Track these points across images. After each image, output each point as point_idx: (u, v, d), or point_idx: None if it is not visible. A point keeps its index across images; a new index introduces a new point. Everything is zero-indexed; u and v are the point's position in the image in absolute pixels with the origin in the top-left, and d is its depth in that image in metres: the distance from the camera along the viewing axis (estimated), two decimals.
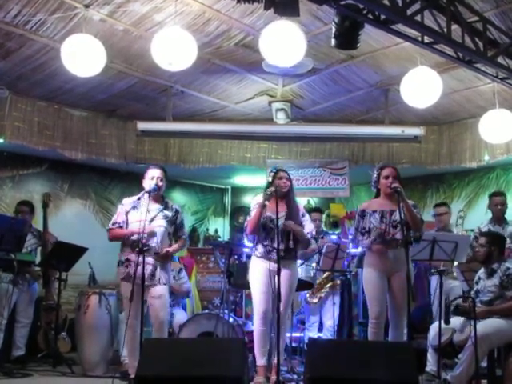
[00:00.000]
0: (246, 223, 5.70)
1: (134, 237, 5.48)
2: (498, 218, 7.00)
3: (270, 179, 5.61)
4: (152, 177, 5.68)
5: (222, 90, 7.90)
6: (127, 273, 5.50)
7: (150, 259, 5.54)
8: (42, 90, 7.70)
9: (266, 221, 5.57)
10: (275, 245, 5.41)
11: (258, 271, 5.60)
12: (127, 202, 5.80)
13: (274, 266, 5.39)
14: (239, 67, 7.15)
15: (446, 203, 7.92)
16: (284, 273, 5.36)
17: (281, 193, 5.51)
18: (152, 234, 5.58)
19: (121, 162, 8.94)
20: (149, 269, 5.54)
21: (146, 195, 5.62)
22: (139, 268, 5.29)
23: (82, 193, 9.50)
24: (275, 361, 5.25)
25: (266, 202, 5.46)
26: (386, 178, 5.56)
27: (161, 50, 5.61)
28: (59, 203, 9.13)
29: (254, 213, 5.58)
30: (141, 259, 5.26)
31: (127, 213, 5.72)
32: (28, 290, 7.00)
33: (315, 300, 6.99)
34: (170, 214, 5.76)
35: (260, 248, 5.64)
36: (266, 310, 5.53)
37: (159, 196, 5.78)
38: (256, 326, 5.59)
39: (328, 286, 7.03)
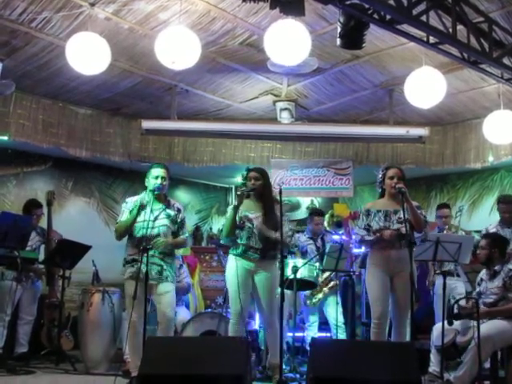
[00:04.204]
0: (221, 226, 5.67)
1: (139, 234, 5.48)
2: (507, 222, 6.92)
3: (242, 180, 5.60)
4: (156, 176, 5.64)
5: (227, 89, 7.91)
6: (134, 272, 5.44)
7: (156, 259, 5.54)
8: (47, 87, 7.72)
9: (243, 220, 5.51)
10: (251, 244, 5.42)
11: (235, 270, 5.47)
12: (131, 200, 5.77)
13: (251, 265, 5.39)
14: (244, 66, 7.15)
15: (448, 205, 7.89)
16: (262, 276, 5.37)
17: (256, 192, 5.48)
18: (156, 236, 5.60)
19: (125, 161, 8.95)
20: (156, 268, 5.54)
21: (150, 194, 5.63)
22: (144, 266, 5.32)
23: (85, 191, 9.52)
24: (272, 360, 5.26)
25: (235, 203, 5.44)
26: (391, 178, 5.55)
27: (164, 49, 5.62)
28: (63, 201, 9.15)
29: (228, 215, 5.57)
30: (138, 257, 5.31)
31: (130, 212, 5.70)
32: (31, 287, 7.01)
33: (315, 300, 6.99)
34: (172, 212, 5.74)
35: (237, 247, 5.56)
36: (240, 310, 5.41)
37: (162, 195, 5.77)
38: (231, 322, 5.51)
39: (327, 287, 7.02)
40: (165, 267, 5.60)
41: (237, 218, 5.48)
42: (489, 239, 5.77)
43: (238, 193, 5.40)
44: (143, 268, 5.28)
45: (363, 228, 5.62)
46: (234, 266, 5.51)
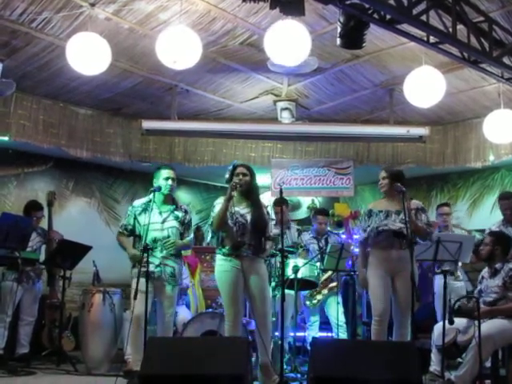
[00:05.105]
0: (211, 220, 5.39)
1: (149, 236, 5.50)
2: (510, 220, 6.89)
3: (229, 176, 5.42)
4: (167, 177, 5.68)
5: (227, 89, 7.91)
6: (145, 271, 5.31)
7: (170, 261, 5.62)
8: (48, 88, 7.72)
9: (236, 216, 5.28)
10: (245, 240, 5.26)
11: (226, 271, 5.27)
12: (137, 204, 5.81)
13: (241, 265, 5.20)
14: (244, 66, 7.15)
15: (448, 204, 7.89)
16: (255, 277, 5.28)
17: (243, 188, 5.33)
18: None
19: (125, 161, 8.96)
20: (169, 270, 5.61)
21: (161, 196, 5.68)
22: (155, 267, 5.44)
23: (86, 191, 9.52)
24: (265, 360, 5.26)
25: (234, 193, 5.21)
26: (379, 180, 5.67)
27: (165, 49, 5.62)
28: (64, 201, 9.14)
29: (218, 207, 5.30)
30: (149, 258, 5.31)
31: (137, 216, 5.71)
32: (32, 288, 7.00)
33: (314, 301, 6.98)
34: (180, 214, 5.78)
35: (227, 245, 5.32)
36: (236, 312, 5.28)
37: (170, 197, 5.79)
38: (228, 325, 5.29)
39: (327, 288, 7.01)
40: (176, 269, 5.68)
41: (228, 213, 5.27)
42: (493, 236, 5.77)
43: (233, 184, 5.24)
44: (151, 268, 5.33)
45: (364, 229, 5.66)
46: (224, 266, 5.32)
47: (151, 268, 5.34)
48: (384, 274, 5.48)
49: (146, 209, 5.68)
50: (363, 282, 5.76)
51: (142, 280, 5.17)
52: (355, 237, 7.81)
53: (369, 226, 5.62)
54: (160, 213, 5.67)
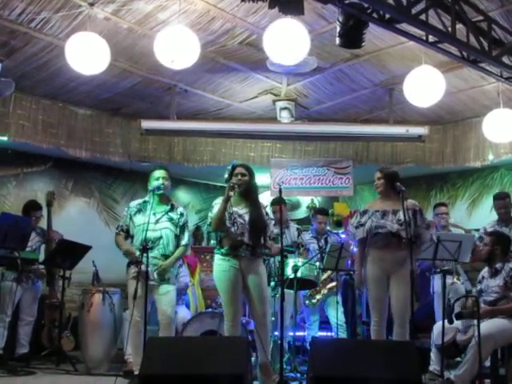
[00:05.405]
0: (209, 220, 5.40)
1: (142, 236, 5.50)
2: (504, 219, 6.92)
3: (228, 176, 5.38)
4: (158, 177, 5.71)
5: (226, 89, 7.90)
6: (138, 272, 5.38)
7: (159, 261, 5.62)
8: (47, 88, 7.71)
9: (234, 216, 5.28)
10: (244, 240, 5.26)
11: (225, 271, 5.27)
12: (133, 204, 5.85)
13: (240, 265, 5.19)
14: (243, 66, 7.15)
15: (445, 204, 7.89)
16: (254, 277, 5.29)
17: (242, 189, 5.31)
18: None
19: (125, 161, 8.95)
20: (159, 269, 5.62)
21: (156, 197, 5.70)
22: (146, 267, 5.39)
23: (85, 191, 9.51)
24: (264, 359, 5.25)
25: (232, 194, 5.18)
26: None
27: (163, 48, 5.62)
28: (63, 201, 9.14)
29: (217, 207, 5.30)
30: (141, 258, 5.33)
31: (132, 216, 5.76)
32: (32, 287, 7.00)
33: (314, 301, 6.98)
34: (175, 216, 5.77)
35: (225, 245, 5.32)
36: (235, 311, 5.28)
37: (165, 197, 5.79)
38: (227, 325, 5.30)
39: (327, 287, 7.01)
40: (167, 269, 5.66)
41: (226, 213, 5.26)
42: (493, 236, 5.77)
43: (230, 184, 5.22)
44: (143, 268, 5.32)
45: (355, 226, 5.65)
46: (223, 266, 5.31)
47: (143, 268, 5.35)
48: (381, 274, 5.45)
49: (140, 209, 5.75)
50: (359, 283, 5.74)
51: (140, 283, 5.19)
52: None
53: (359, 222, 5.60)
54: (154, 213, 5.66)
